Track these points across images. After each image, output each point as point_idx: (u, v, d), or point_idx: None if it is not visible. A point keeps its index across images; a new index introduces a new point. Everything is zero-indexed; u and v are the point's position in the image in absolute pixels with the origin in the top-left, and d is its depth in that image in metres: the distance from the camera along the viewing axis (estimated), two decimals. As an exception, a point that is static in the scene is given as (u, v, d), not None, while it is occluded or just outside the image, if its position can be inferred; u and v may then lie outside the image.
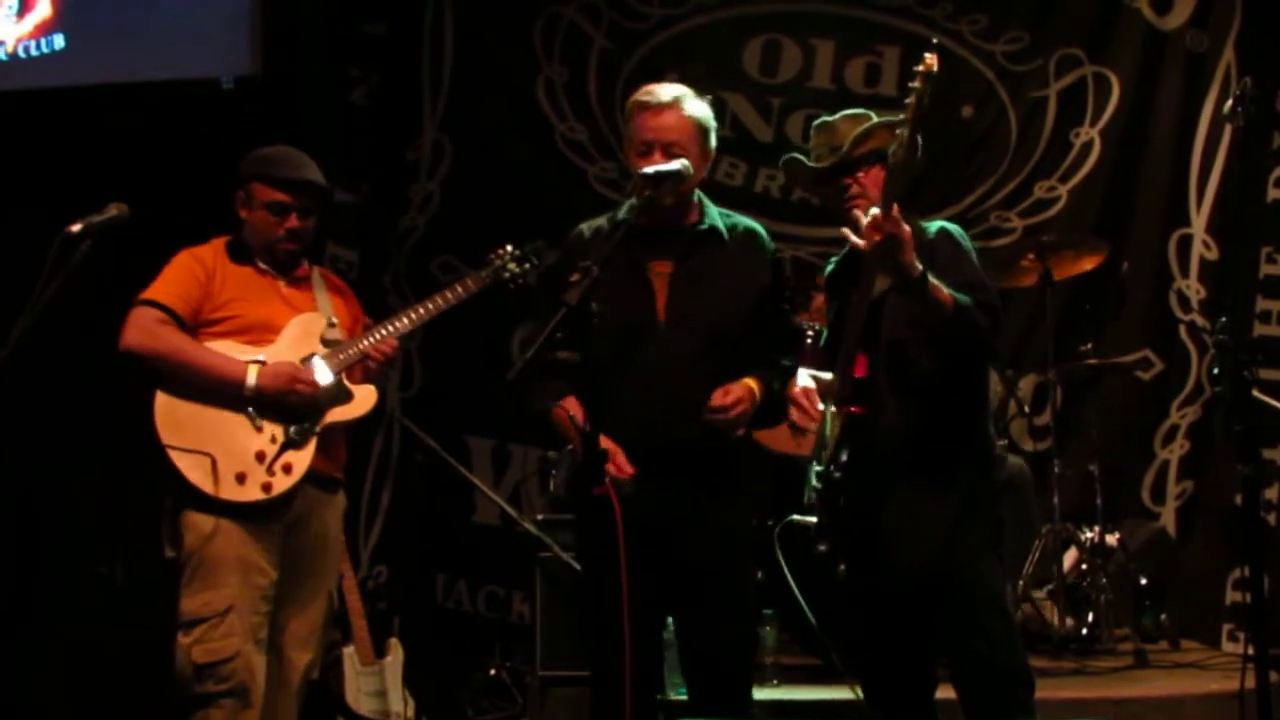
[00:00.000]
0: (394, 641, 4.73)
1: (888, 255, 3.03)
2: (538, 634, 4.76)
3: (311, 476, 3.59)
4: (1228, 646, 5.25)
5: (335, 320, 3.72)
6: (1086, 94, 5.95)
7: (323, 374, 3.61)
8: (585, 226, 3.58)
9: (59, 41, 5.73)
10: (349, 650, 4.59)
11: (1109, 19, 5.94)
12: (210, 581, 3.48)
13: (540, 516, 5.03)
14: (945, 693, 3.36)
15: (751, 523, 3.71)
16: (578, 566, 3.63)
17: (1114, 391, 5.79)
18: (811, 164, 3.39)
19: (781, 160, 3.48)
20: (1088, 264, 5.39)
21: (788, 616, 4.64)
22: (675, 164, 3.38)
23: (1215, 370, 3.06)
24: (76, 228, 3.17)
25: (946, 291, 3.09)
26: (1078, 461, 5.41)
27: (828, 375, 3.36)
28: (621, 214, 3.48)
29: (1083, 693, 4.51)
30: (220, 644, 3.46)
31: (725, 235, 3.53)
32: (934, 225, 3.33)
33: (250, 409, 3.54)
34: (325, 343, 3.66)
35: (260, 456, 3.53)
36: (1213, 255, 5.77)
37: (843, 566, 3.21)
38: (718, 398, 3.37)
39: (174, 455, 3.49)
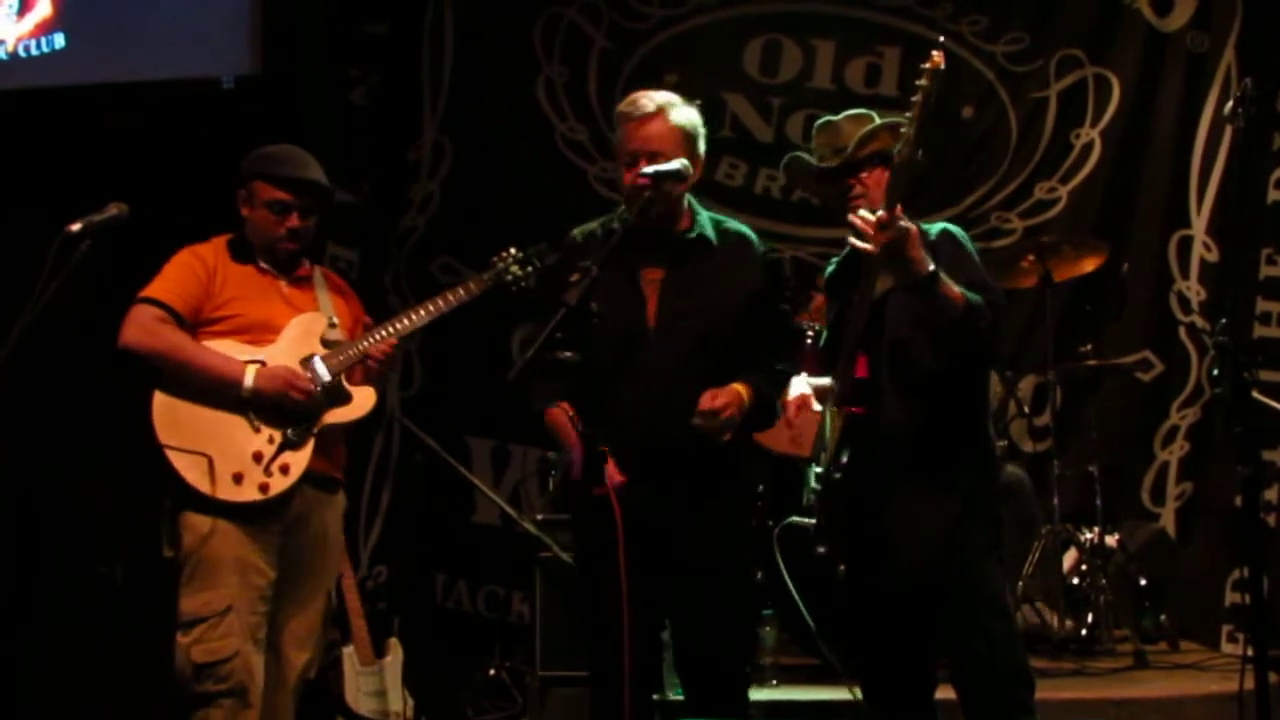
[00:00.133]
0: (394, 641, 4.72)
1: (895, 255, 3.03)
2: (537, 634, 4.76)
3: (310, 477, 3.59)
4: (1227, 647, 5.26)
5: (336, 320, 3.71)
6: (1087, 95, 5.95)
7: (322, 375, 3.60)
8: (578, 231, 3.59)
9: (59, 41, 5.73)
10: (348, 650, 4.59)
11: (1109, 20, 5.94)
12: (209, 581, 3.48)
13: (540, 516, 5.03)
14: (945, 693, 3.36)
15: (749, 523, 3.71)
16: (575, 559, 3.61)
17: (1114, 393, 5.79)
18: (815, 163, 3.39)
19: (784, 159, 3.47)
20: (1088, 265, 5.39)
21: (787, 616, 4.64)
22: (675, 164, 3.39)
23: (1215, 372, 3.06)
24: (76, 227, 3.17)
25: (957, 289, 3.08)
26: (1077, 462, 5.41)
27: (823, 381, 3.37)
28: (616, 219, 3.50)
29: (1082, 693, 4.51)
30: (219, 644, 3.45)
31: (715, 241, 3.54)
32: (935, 227, 3.32)
33: (248, 410, 3.53)
34: (325, 343, 3.65)
35: (257, 457, 3.52)
36: (1213, 256, 5.77)
37: (842, 567, 3.21)
38: (705, 401, 3.37)
39: (171, 455, 3.48)
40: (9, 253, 4.42)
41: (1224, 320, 3.16)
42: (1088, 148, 5.95)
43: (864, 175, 3.30)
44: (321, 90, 5.92)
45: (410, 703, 4.66)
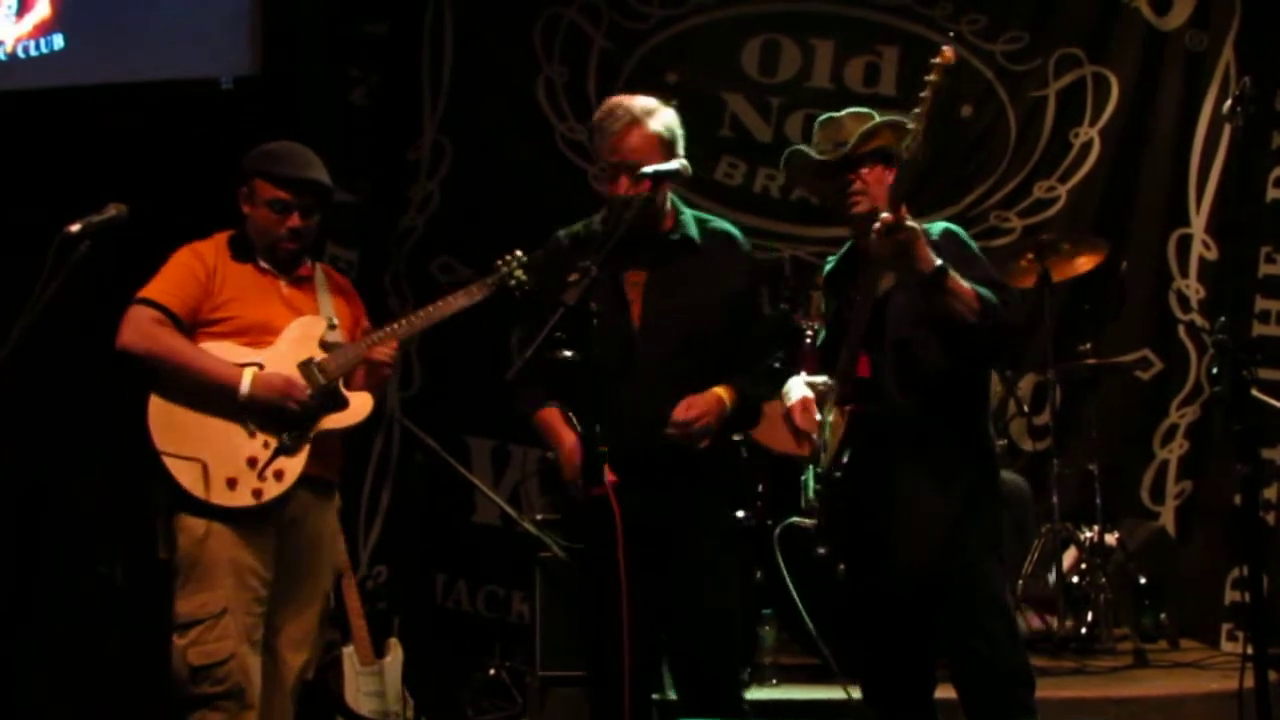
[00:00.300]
0: (393, 641, 4.72)
1: (902, 254, 3.03)
2: (537, 634, 4.76)
3: (305, 481, 3.56)
4: (1227, 646, 5.25)
5: (336, 322, 3.68)
6: (1086, 94, 5.95)
7: (319, 380, 3.56)
8: (564, 233, 3.59)
9: (58, 41, 5.74)
10: (348, 650, 4.59)
11: (1108, 19, 5.94)
12: (204, 584, 3.46)
13: (540, 516, 5.03)
14: (945, 692, 3.37)
15: (736, 523, 3.71)
16: (572, 557, 3.60)
17: (1113, 391, 5.79)
18: (816, 156, 3.39)
19: (785, 153, 3.48)
20: (1087, 264, 5.40)
21: (787, 616, 4.64)
22: (674, 164, 3.39)
23: (1214, 370, 3.07)
24: (75, 228, 3.16)
25: (967, 284, 3.08)
26: (1077, 461, 5.42)
27: (820, 379, 3.37)
28: (598, 222, 3.50)
29: (1082, 692, 4.51)
30: (215, 646, 3.44)
31: (699, 241, 3.55)
32: (936, 226, 3.32)
33: (244, 415, 3.51)
34: (324, 346, 3.61)
35: (252, 462, 3.50)
36: (1212, 255, 5.77)
37: (842, 567, 3.21)
38: (679, 411, 3.39)
39: (167, 460, 3.46)
40: (9, 253, 4.42)
41: (1223, 318, 3.16)
42: (1087, 146, 5.95)
43: (864, 171, 3.30)
44: (321, 90, 5.92)
45: (410, 703, 4.66)
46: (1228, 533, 5.45)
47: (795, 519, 3.26)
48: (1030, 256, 5.29)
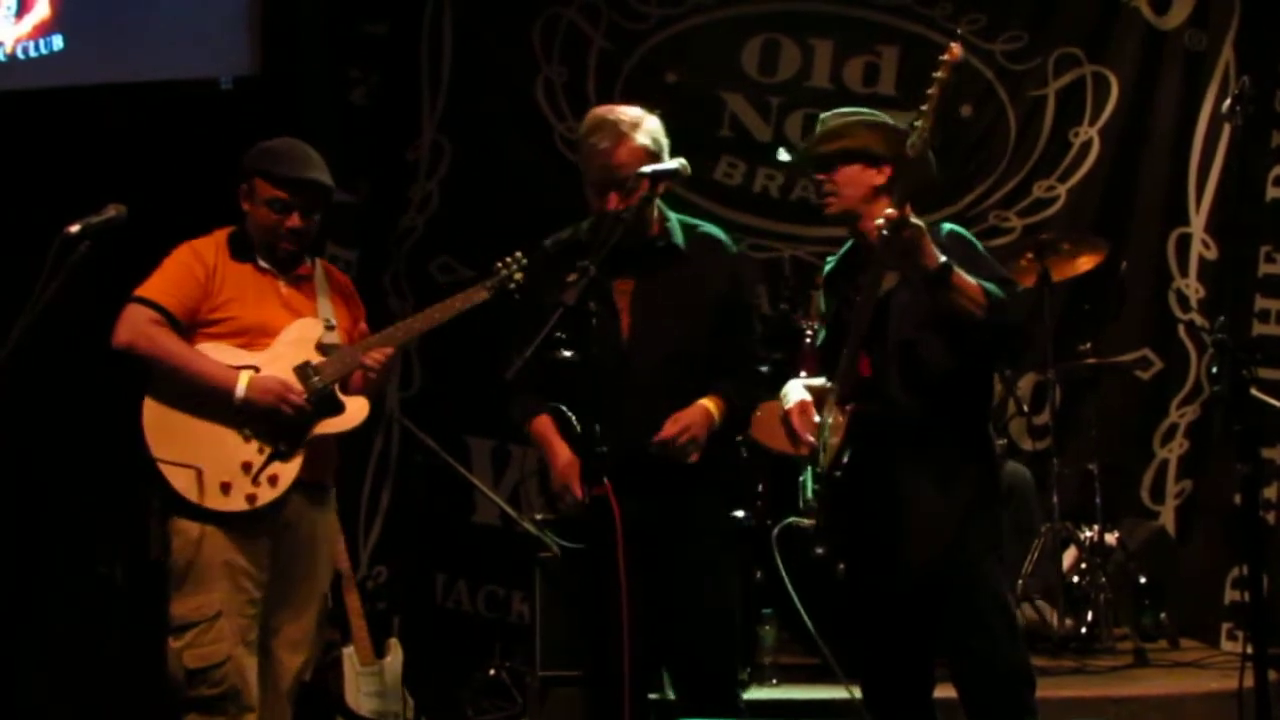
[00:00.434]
0: (393, 642, 4.72)
1: (907, 252, 3.03)
2: (537, 634, 4.76)
3: (299, 485, 3.52)
4: (1227, 645, 5.25)
5: (334, 323, 3.65)
6: (1085, 93, 5.95)
7: (315, 384, 3.53)
8: (550, 241, 3.60)
9: (58, 42, 5.74)
10: (348, 650, 4.59)
11: (1108, 18, 5.94)
12: (199, 587, 3.44)
13: (540, 516, 5.03)
14: (945, 692, 3.37)
15: (734, 523, 3.72)
16: (569, 556, 3.60)
17: (1113, 391, 5.79)
18: (784, 159, 3.42)
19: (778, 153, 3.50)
20: (1087, 263, 5.40)
21: (787, 616, 4.64)
22: (674, 163, 3.39)
23: (1214, 369, 3.07)
24: (75, 229, 3.16)
25: (973, 281, 3.08)
26: (1077, 461, 5.42)
27: (818, 381, 3.37)
28: (584, 230, 3.52)
29: (1082, 692, 4.51)
30: (211, 649, 3.42)
31: (684, 247, 3.55)
32: (941, 228, 3.32)
33: (239, 419, 3.47)
34: (321, 349, 3.58)
35: (246, 467, 3.46)
36: (1212, 254, 5.77)
37: (841, 567, 3.21)
38: (667, 428, 3.40)
39: (161, 464, 3.43)
40: (9, 253, 4.42)
41: (1223, 318, 3.17)
42: (1086, 146, 5.94)
43: (837, 171, 3.29)
44: (321, 90, 5.92)
45: (410, 703, 4.66)
46: (1228, 532, 5.45)
47: (794, 519, 3.26)
48: (1030, 256, 5.29)
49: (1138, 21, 5.87)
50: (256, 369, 3.51)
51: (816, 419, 3.29)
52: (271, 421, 3.49)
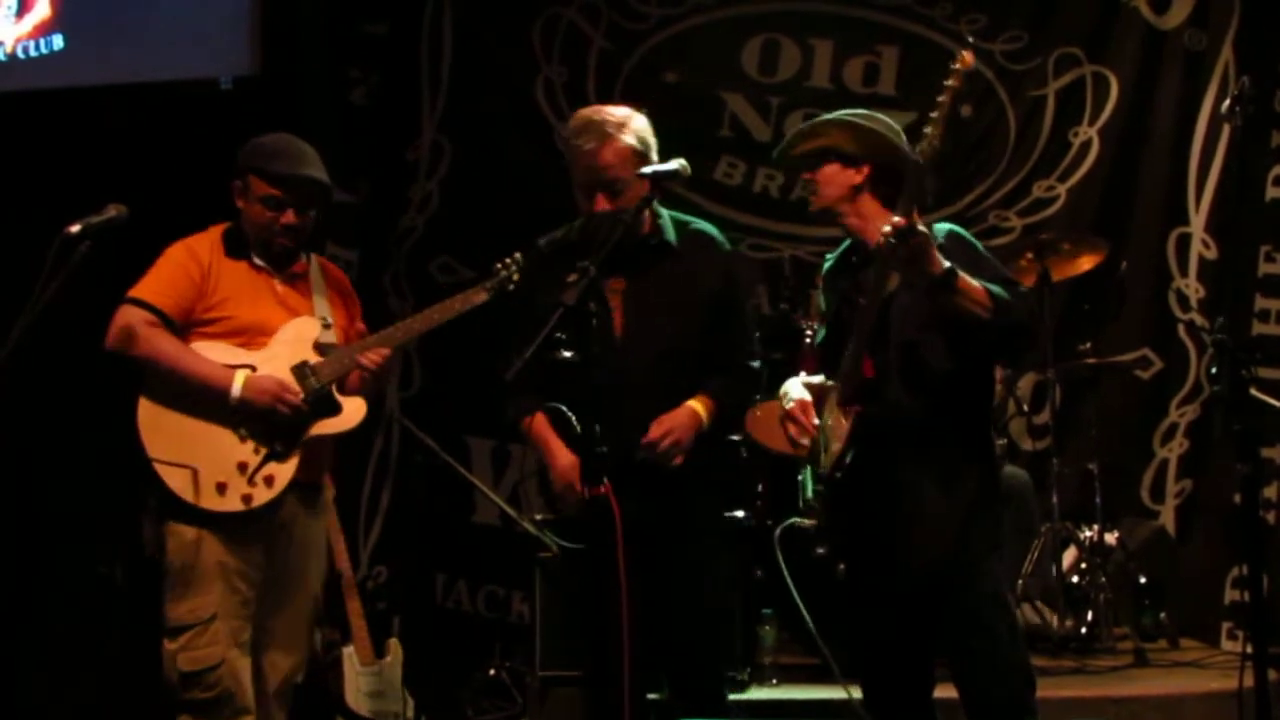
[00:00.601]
0: (393, 642, 4.72)
1: (913, 261, 3.04)
2: (537, 634, 4.75)
3: (294, 486, 3.50)
4: (1227, 645, 5.25)
5: (330, 322, 3.63)
6: (1085, 93, 5.94)
7: (312, 385, 3.52)
8: (544, 240, 3.60)
9: (58, 42, 5.74)
10: (348, 650, 4.59)
11: (1108, 18, 5.94)
12: (194, 589, 3.43)
13: (540, 516, 5.02)
14: (945, 692, 3.37)
15: (731, 523, 3.72)
16: (567, 556, 3.60)
17: (1113, 390, 5.79)
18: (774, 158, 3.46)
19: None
20: (1086, 263, 5.40)
21: (787, 616, 4.64)
22: (673, 164, 3.39)
23: (1214, 369, 3.07)
24: (75, 229, 3.15)
25: (978, 284, 3.09)
26: (1077, 460, 5.42)
27: (817, 379, 3.37)
28: (575, 231, 3.52)
29: (1082, 691, 4.52)
30: (205, 652, 3.41)
31: (677, 245, 3.55)
32: (940, 228, 3.32)
33: (235, 418, 3.45)
34: (318, 348, 3.56)
35: (242, 467, 3.45)
36: (1211, 254, 5.77)
37: (841, 567, 3.22)
38: (651, 432, 3.41)
39: (157, 465, 3.41)
40: (9, 253, 4.42)
41: (1222, 318, 3.17)
42: (1086, 146, 5.94)
43: (817, 171, 3.34)
44: (321, 91, 5.92)
45: (410, 703, 4.66)
46: (1228, 532, 5.45)
47: (795, 519, 3.26)
48: (1030, 256, 5.29)
49: (1137, 21, 5.87)
50: (253, 368, 3.49)
51: (817, 419, 3.30)
52: (268, 422, 3.47)
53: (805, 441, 3.26)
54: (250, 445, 3.47)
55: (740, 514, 4.80)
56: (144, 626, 3.68)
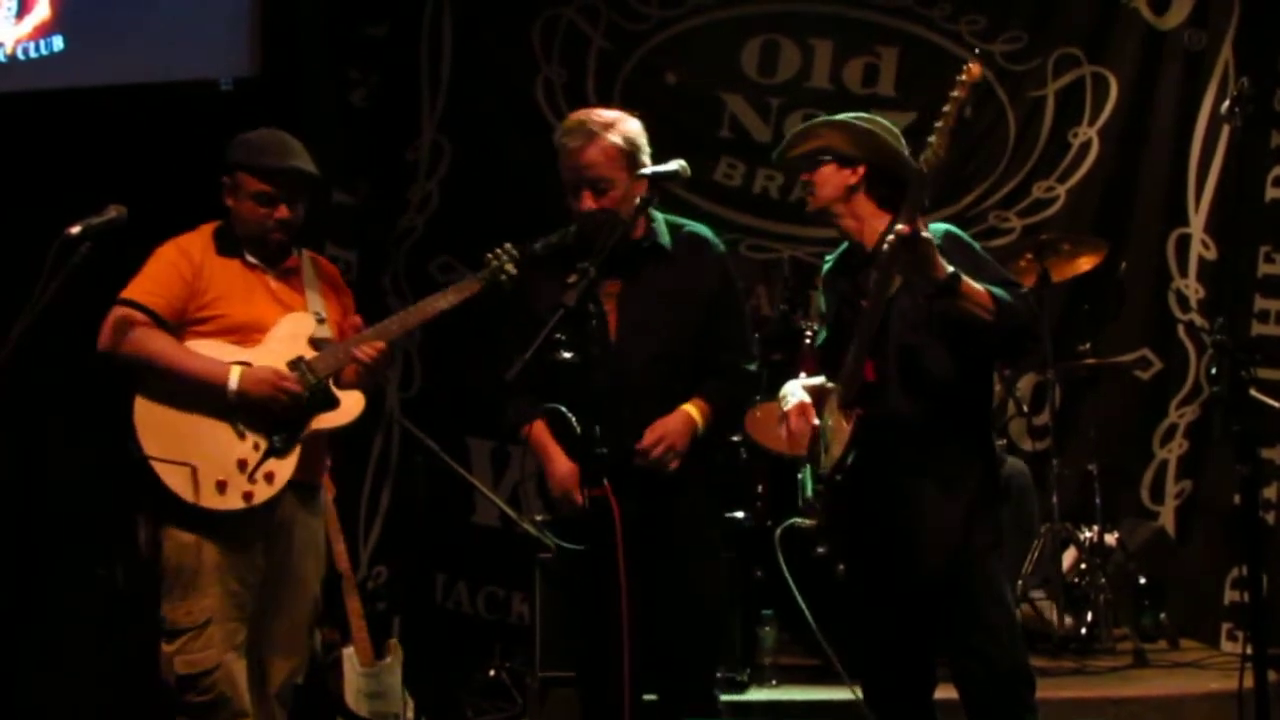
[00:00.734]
0: (394, 642, 4.72)
1: (918, 267, 3.04)
2: (537, 635, 4.76)
3: (292, 484, 3.49)
4: (1227, 646, 5.25)
5: (324, 317, 3.61)
6: (1085, 93, 5.94)
7: (310, 378, 3.50)
8: (540, 244, 3.60)
9: (58, 43, 5.74)
10: (348, 651, 4.59)
11: (1107, 19, 5.93)
12: (191, 592, 3.42)
13: (539, 517, 5.02)
14: (945, 692, 3.37)
15: (728, 525, 3.72)
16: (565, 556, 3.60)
17: (1113, 391, 5.79)
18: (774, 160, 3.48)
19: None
20: (1086, 264, 5.41)
21: (787, 617, 4.64)
22: (674, 164, 3.40)
23: (1213, 370, 3.07)
24: (75, 230, 3.16)
25: (980, 287, 3.10)
26: (1076, 461, 5.42)
27: (817, 380, 3.37)
28: (570, 234, 3.53)
29: (1082, 692, 4.52)
30: (200, 655, 3.41)
31: (670, 247, 3.56)
32: (937, 229, 3.32)
33: (233, 414, 3.44)
34: (314, 342, 3.55)
35: (242, 464, 3.43)
36: (1211, 255, 5.77)
37: (841, 567, 3.22)
38: (645, 438, 3.41)
39: (155, 464, 3.39)
40: (9, 255, 4.42)
41: (1222, 318, 3.17)
42: (1085, 146, 5.94)
43: (815, 172, 3.36)
44: (321, 92, 5.92)
45: (410, 704, 4.66)
46: (1227, 533, 5.44)
47: (796, 520, 3.26)
48: (1029, 256, 5.29)
49: (1137, 22, 5.87)
50: (249, 364, 3.47)
51: (816, 420, 3.30)
52: (266, 417, 3.45)
53: (810, 440, 3.27)
54: (250, 441, 3.45)
55: (740, 514, 4.80)
56: (144, 627, 3.68)
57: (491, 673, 5.36)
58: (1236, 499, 4.28)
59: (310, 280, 3.69)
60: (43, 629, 5.36)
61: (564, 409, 3.29)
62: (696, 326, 3.53)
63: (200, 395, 3.43)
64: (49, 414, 5.30)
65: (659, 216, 3.60)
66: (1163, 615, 5.34)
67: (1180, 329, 5.81)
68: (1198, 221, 5.78)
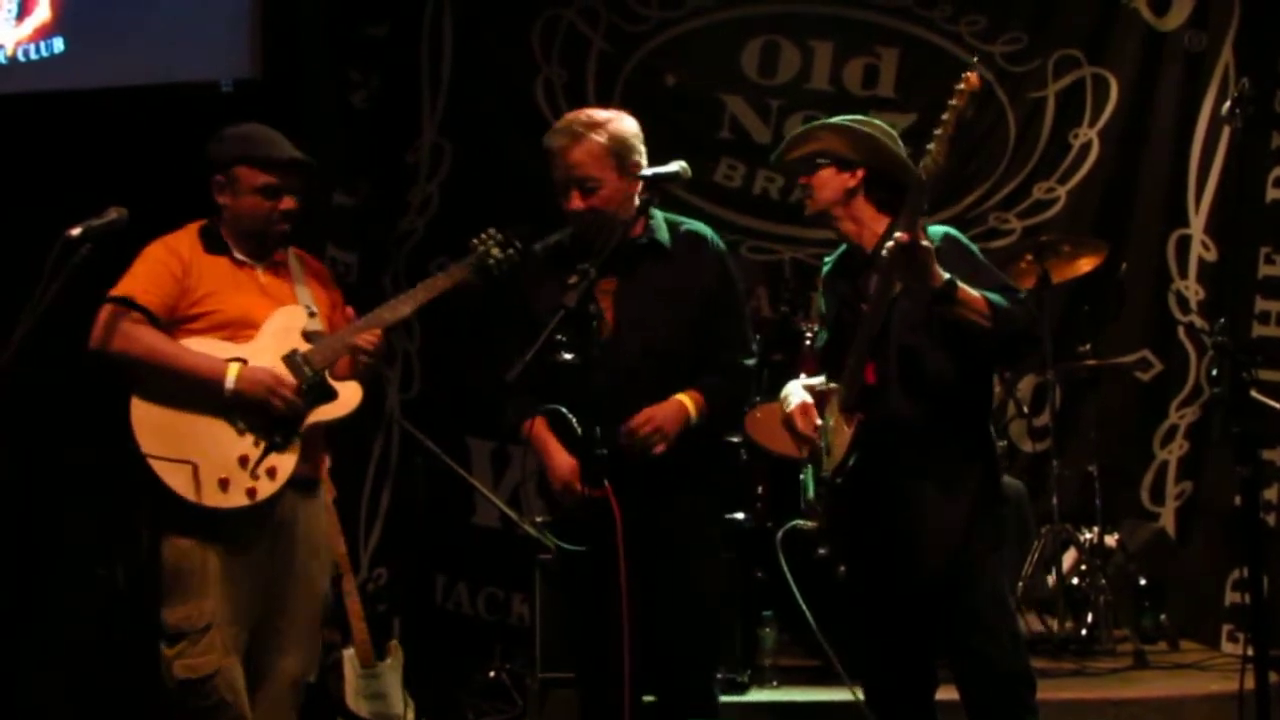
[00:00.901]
0: (394, 644, 4.72)
1: (916, 275, 3.04)
2: (537, 636, 4.76)
3: (293, 481, 3.47)
4: (1227, 647, 5.25)
5: (315, 309, 3.59)
6: (1085, 95, 5.94)
7: (305, 372, 3.49)
8: (539, 246, 3.61)
9: (58, 45, 5.74)
10: (349, 652, 4.59)
11: (1107, 20, 5.93)
12: (191, 595, 3.41)
13: (540, 518, 5.02)
14: (946, 693, 3.37)
15: (727, 525, 3.72)
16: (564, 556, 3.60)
17: (1113, 392, 5.79)
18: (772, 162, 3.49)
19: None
20: (1086, 265, 5.41)
21: (787, 618, 4.65)
22: (674, 166, 3.40)
23: (1214, 371, 3.08)
24: (76, 232, 3.16)
25: (976, 293, 3.10)
26: (1077, 462, 5.42)
27: (818, 381, 3.37)
28: (567, 235, 3.53)
29: (1082, 694, 4.52)
30: (200, 660, 3.39)
31: (668, 244, 3.56)
32: (935, 231, 3.33)
33: (231, 412, 3.42)
34: (307, 336, 3.53)
35: (243, 461, 3.41)
36: (1211, 256, 5.77)
37: (842, 568, 3.22)
38: (635, 418, 3.40)
39: (155, 463, 3.37)
40: (9, 256, 4.42)
41: (1222, 320, 3.17)
42: (1086, 147, 5.94)
43: (810, 176, 3.37)
44: (321, 93, 5.92)
45: (411, 705, 4.66)
46: (1228, 534, 5.44)
47: (797, 522, 3.26)
48: (1030, 258, 5.30)
49: (1137, 23, 5.87)
50: (243, 361, 3.45)
51: (818, 421, 3.30)
52: (264, 413, 3.43)
53: (811, 441, 3.27)
54: (250, 438, 3.44)
55: (740, 515, 4.81)
56: (145, 628, 3.68)
57: (492, 674, 5.36)
58: (1237, 500, 4.28)
59: (298, 274, 3.67)
60: (43, 629, 5.36)
61: (564, 410, 3.29)
62: (693, 323, 3.52)
63: (197, 392, 3.41)
64: (49, 414, 5.30)
65: (658, 215, 3.60)
66: (1163, 616, 5.34)
67: (1180, 330, 5.81)
68: (1198, 223, 5.78)
